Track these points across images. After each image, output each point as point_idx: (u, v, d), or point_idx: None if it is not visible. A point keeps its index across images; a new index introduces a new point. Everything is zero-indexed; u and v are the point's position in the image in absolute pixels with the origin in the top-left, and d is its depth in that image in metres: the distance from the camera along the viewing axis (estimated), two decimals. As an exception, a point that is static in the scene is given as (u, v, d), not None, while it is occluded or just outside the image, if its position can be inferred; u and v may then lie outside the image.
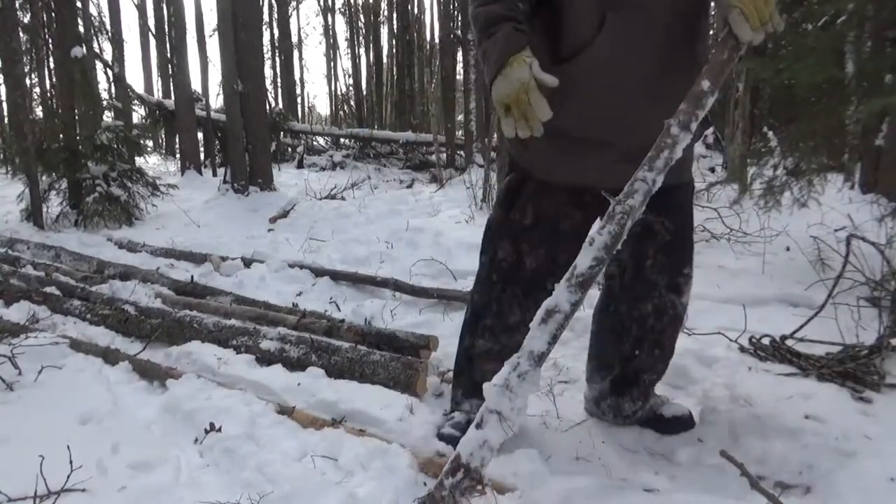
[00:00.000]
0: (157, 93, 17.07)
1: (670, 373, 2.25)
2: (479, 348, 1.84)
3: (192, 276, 3.87)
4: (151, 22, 15.41)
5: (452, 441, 1.66)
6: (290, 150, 14.37)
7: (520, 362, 1.38)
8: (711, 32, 1.79)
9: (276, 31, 19.05)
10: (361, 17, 22.56)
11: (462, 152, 12.03)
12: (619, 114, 1.55)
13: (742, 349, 2.41)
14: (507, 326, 1.78)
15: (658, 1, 1.50)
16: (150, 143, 11.42)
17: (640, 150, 1.37)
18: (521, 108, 1.41)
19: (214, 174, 10.87)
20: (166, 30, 14.54)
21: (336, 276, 3.81)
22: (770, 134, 4.16)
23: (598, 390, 1.93)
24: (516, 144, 1.61)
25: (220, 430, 1.90)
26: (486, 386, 1.32)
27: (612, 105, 1.55)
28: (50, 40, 9.01)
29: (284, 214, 6.36)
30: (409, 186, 9.95)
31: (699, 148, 8.94)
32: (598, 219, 1.40)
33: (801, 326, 2.46)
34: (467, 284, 3.43)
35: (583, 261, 1.40)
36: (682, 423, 1.89)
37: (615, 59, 1.52)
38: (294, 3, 21.30)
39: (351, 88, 22.82)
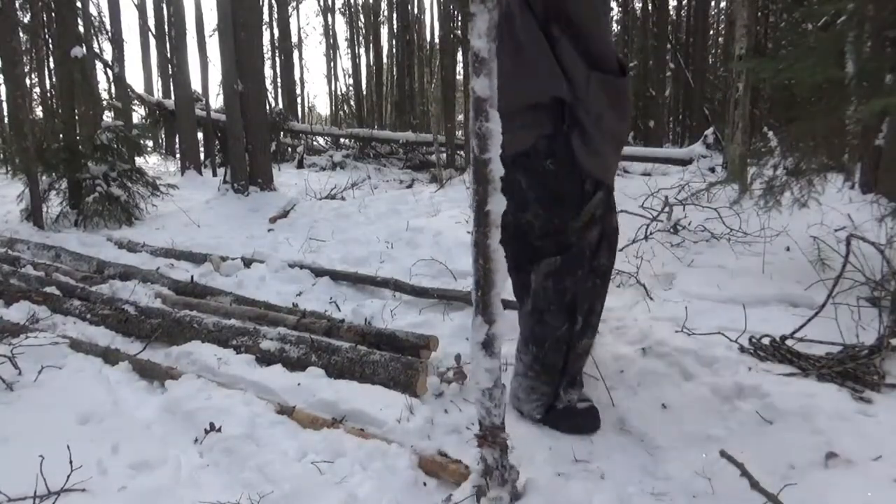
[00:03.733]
0: (157, 93, 17.07)
1: (670, 372, 2.26)
2: (583, 347, 2.02)
3: (192, 276, 3.87)
4: (151, 22, 15.42)
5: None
6: (290, 150, 14.38)
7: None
8: None
9: (276, 31, 19.06)
10: (361, 17, 22.59)
11: (462, 152, 12.03)
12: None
13: (742, 349, 2.41)
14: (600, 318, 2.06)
15: None
16: (150, 143, 11.38)
17: None
18: None
19: (214, 174, 10.87)
20: (166, 30, 14.54)
21: (336, 276, 3.80)
22: (770, 134, 4.15)
23: None
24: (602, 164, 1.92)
25: (220, 430, 1.90)
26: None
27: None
28: (50, 40, 9.02)
29: (284, 214, 6.35)
30: (409, 186, 9.95)
31: (699, 148, 8.94)
32: None
33: (801, 326, 2.46)
34: (467, 284, 3.43)
35: None
36: None
37: None
38: (294, 3, 21.31)
39: (351, 88, 22.86)
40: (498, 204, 1.47)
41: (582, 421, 1.96)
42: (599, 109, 1.83)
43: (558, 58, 1.79)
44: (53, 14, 7.68)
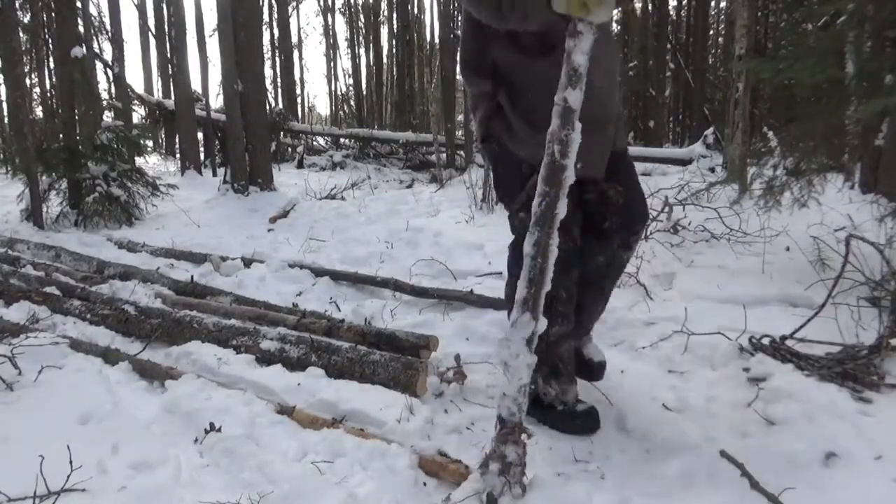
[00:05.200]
0: (157, 93, 17.06)
1: (670, 372, 2.26)
2: (555, 335, 1.93)
3: (192, 276, 3.87)
4: (151, 22, 15.41)
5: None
6: (290, 150, 14.38)
7: (513, 314, 1.56)
8: None
9: (276, 31, 19.05)
10: (361, 17, 22.59)
11: (462, 152, 12.03)
12: (611, 89, 1.85)
13: (742, 349, 2.41)
14: (574, 304, 1.97)
15: None
16: (150, 143, 11.39)
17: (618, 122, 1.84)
18: None
19: (214, 174, 10.87)
20: (166, 30, 14.53)
21: (336, 276, 3.80)
22: (770, 134, 4.16)
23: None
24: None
25: (220, 430, 1.90)
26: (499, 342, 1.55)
27: (606, 81, 1.80)
28: (50, 40, 9.03)
29: (284, 214, 6.36)
30: (409, 186, 9.95)
31: (699, 148, 8.95)
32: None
33: (801, 326, 2.46)
34: (467, 284, 3.43)
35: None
36: (603, 369, 2.14)
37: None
38: (294, 3, 21.31)
39: (351, 88, 22.86)
40: (563, 208, 1.50)
41: (582, 423, 1.95)
42: (516, 95, 1.82)
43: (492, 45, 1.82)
44: (53, 14, 7.68)
